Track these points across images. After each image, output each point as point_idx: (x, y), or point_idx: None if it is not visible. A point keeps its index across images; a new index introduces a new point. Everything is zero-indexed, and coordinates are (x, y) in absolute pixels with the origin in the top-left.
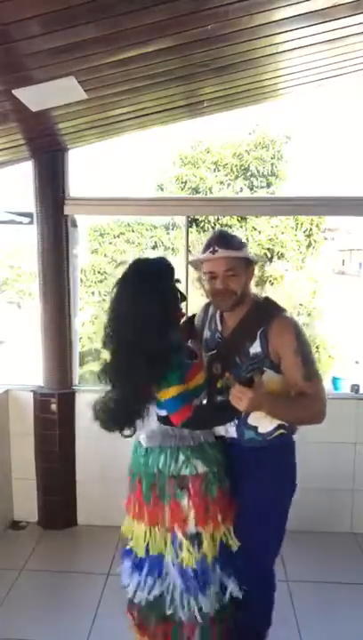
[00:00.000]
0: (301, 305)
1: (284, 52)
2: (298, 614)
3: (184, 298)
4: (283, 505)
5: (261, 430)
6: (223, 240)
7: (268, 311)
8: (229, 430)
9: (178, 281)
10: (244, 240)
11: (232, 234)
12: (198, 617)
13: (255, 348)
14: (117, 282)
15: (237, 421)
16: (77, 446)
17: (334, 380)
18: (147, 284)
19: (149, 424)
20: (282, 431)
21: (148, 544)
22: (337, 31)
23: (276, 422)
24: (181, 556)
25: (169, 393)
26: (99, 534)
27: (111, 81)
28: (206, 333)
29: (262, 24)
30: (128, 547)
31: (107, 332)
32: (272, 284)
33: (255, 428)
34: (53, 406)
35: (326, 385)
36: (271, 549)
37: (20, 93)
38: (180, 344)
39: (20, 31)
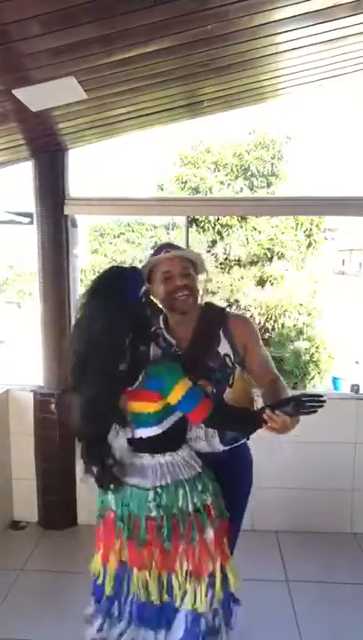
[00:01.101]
0: (301, 305)
1: (284, 51)
2: (298, 614)
3: (159, 311)
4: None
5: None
6: (173, 245)
7: (217, 311)
8: (208, 444)
9: (146, 293)
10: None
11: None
12: None
13: (223, 347)
14: (84, 296)
15: (214, 433)
16: (77, 446)
17: (334, 380)
18: (111, 302)
19: (133, 465)
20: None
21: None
22: (337, 31)
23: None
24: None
25: (178, 392)
26: None
27: (111, 81)
28: (155, 352)
29: (262, 24)
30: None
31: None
32: (272, 284)
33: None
34: (53, 406)
35: (326, 385)
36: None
37: (20, 93)
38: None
39: (20, 31)
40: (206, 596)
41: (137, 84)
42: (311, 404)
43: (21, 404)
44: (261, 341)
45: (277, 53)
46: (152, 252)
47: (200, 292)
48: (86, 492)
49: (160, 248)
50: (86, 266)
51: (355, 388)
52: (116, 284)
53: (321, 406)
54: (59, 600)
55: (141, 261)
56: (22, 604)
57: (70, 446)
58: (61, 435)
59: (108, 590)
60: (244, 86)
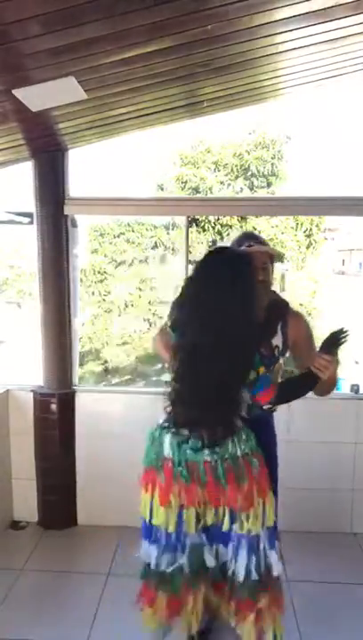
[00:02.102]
0: (301, 305)
1: (284, 51)
2: (298, 614)
3: None
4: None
5: (265, 407)
6: (256, 237)
7: (283, 305)
8: None
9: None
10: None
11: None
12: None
13: (277, 340)
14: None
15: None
16: (77, 446)
17: None
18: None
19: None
20: (271, 407)
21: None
22: (337, 31)
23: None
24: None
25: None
26: (99, 534)
27: (111, 81)
28: None
29: (262, 24)
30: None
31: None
32: (272, 284)
33: (261, 405)
34: (53, 406)
35: None
36: None
37: (20, 93)
38: None
39: (20, 31)
40: (255, 521)
41: (137, 84)
42: (341, 336)
43: (21, 404)
44: (312, 339)
45: (277, 53)
46: (235, 239)
47: (273, 283)
48: (86, 492)
49: (244, 239)
50: (86, 266)
51: (355, 388)
52: (249, 267)
53: (347, 334)
54: (59, 600)
55: (141, 261)
56: (22, 604)
57: (70, 446)
58: (61, 435)
59: (171, 527)
60: (244, 86)
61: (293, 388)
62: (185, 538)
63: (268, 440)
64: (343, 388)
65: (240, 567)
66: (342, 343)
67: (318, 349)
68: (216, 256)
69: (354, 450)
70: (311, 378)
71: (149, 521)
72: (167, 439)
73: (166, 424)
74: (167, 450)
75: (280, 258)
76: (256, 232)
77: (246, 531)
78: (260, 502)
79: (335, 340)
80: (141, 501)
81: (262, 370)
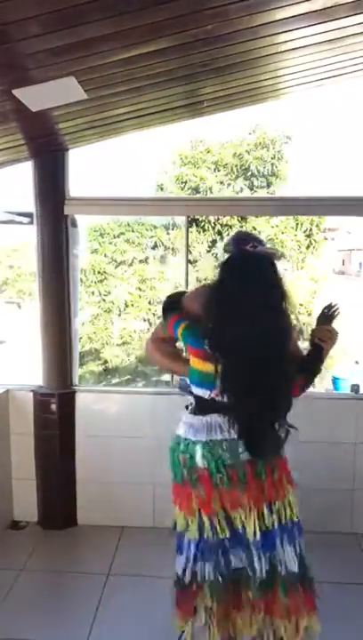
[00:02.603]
0: (301, 305)
1: (284, 51)
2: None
3: None
4: None
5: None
6: (257, 239)
7: None
8: None
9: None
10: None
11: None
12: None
13: None
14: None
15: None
16: (77, 446)
17: (335, 380)
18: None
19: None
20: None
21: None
22: (337, 31)
23: None
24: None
25: None
26: (99, 534)
27: (111, 81)
28: None
29: (262, 24)
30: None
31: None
32: None
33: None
34: (53, 406)
35: (326, 385)
36: None
37: (20, 93)
38: None
39: (20, 31)
40: (291, 509)
41: (137, 84)
42: (332, 310)
43: (21, 404)
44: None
45: (277, 53)
46: (232, 239)
47: None
48: (86, 492)
49: (245, 239)
50: (86, 266)
51: (355, 388)
52: (272, 264)
53: (337, 307)
54: (59, 600)
55: (141, 261)
56: (22, 604)
57: (70, 446)
58: (61, 435)
59: (222, 533)
60: (244, 86)
61: (313, 367)
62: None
63: None
64: (343, 387)
65: (289, 559)
66: (336, 316)
67: (315, 325)
68: (249, 257)
69: (354, 450)
70: (319, 351)
71: (184, 535)
72: (198, 451)
73: (190, 436)
74: (200, 461)
75: (279, 258)
76: (255, 232)
77: (285, 520)
78: (289, 490)
79: (329, 314)
80: (175, 519)
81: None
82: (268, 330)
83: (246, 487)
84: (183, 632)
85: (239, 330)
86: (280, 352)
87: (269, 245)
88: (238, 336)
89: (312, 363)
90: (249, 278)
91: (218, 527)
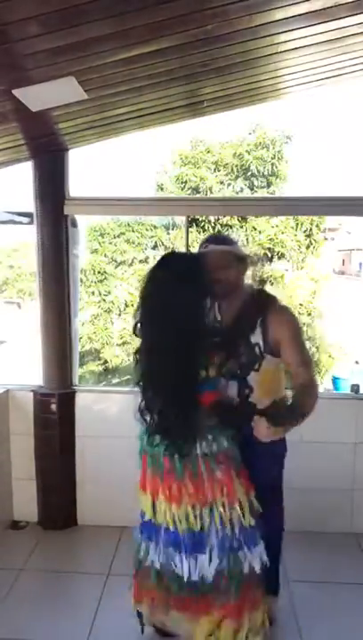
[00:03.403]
0: (301, 305)
1: (284, 51)
2: (298, 614)
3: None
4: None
5: (259, 407)
6: (215, 238)
7: (265, 301)
8: None
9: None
10: (240, 240)
11: (226, 234)
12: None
13: (256, 337)
14: (157, 280)
15: (238, 399)
16: (77, 446)
17: (335, 380)
18: (195, 287)
19: None
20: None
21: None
22: (337, 31)
23: (268, 401)
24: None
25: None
26: (99, 534)
27: (111, 81)
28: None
29: (262, 24)
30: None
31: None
32: (272, 284)
33: (254, 406)
34: (53, 406)
35: (327, 385)
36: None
37: (20, 93)
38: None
39: (19, 31)
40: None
41: (137, 84)
42: (282, 418)
43: (21, 404)
44: (299, 340)
45: (277, 53)
46: (205, 237)
47: (243, 280)
48: (86, 492)
49: (204, 241)
50: (86, 266)
51: (355, 388)
52: (197, 270)
53: (295, 420)
54: (59, 600)
55: (141, 261)
56: (22, 604)
57: (70, 446)
58: (61, 435)
59: (150, 516)
60: (244, 86)
61: (226, 416)
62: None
63: (253, 455)
64: (343, 387)
65: (251, 560)
66: (281, 424)
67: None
68: (161, 261)
69: (354, 450)
70: (240, 422)
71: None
72: (142, 432)
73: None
74: (142, 443)
75: (254, 258)
76: (231, 232)
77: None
78: (220, 502)
79: (274, 419)
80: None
81: (212, 372)
82: (166, 328)
83: (163, 479)
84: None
85: (144, 334)
86: (177, 349)
87: (237, 245)
88: (145, 332)
89: (232, 417)
90: (155, 282)
91: (150, 510)
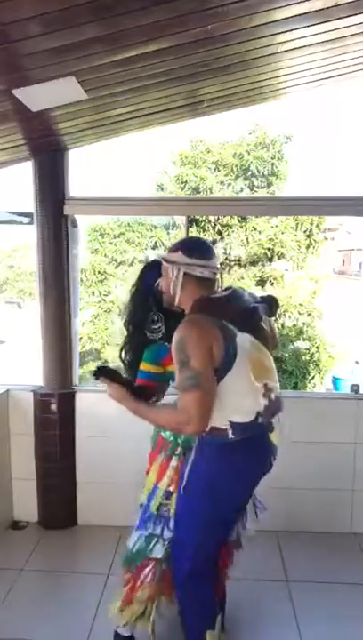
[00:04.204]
0: (301, 305)
1: (284, 52)
2: (298, 614)
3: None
4: (199, 508)
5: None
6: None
7: (188, 314)
8: None
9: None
10: (210, 245)
11: (190, 238)
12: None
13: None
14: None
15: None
16: (77, 446)
17: (335, 380)
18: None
19: None
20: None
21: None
22: (337, 31)
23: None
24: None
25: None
26: (99, 534)
27: (111, 81)
28: None
29: (262, 24)
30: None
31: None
32: (272, 284)
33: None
34: (53, 406)
35: (327, 385)
36: (188, 536)
37: (20, 93)
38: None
39: (20, 31)
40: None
41: (137, 84)
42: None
43: (21, 404)
44: (177, 357)
45: (277, 53)
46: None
47: (178, 290)
48: (86, 492)
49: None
50: (86, 266)
51: (355, 388)
52: (141, 272)
53: (96, 376)
54: (59, 600)
55: (141, 261)
56: (22, 604)
57: (70, 446)
58: (61, 435)
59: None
60: (244, 86)
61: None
62: None
63: (196, 467)
64: (343, 388)
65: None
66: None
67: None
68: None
69: (354, 450)
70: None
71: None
72: None
73: None
74: None
75: (172, 263)
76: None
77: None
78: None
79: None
80: None
81: (147, 366)
82: (126, 321)
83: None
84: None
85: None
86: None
87: (164, 253)
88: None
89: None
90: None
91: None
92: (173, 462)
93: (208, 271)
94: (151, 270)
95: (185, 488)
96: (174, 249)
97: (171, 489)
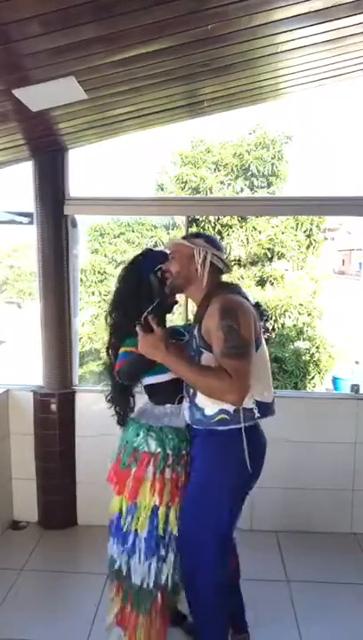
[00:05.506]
0: (301, 305)
1: (284, 52)
2: (298, 614)
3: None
4: (218, 497)
5: (206, 413)
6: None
7: (213, 294)
8: (185, 413)
9: (158, 270)
10: (214, 238)
11: (199, 232)
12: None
13: (197, 330)
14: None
15: (189, 403)
16: (77, 446)
17: (335, 380)
18: (127, 271)
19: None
20: (223, 416)
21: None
22: (337, 31)
23: (217, 406)
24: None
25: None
26: (99, 534)
27: (111, 81)
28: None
29: (262, 24)
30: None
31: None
32: (272, 284)
33: (202, 410)
34: (53, 406)
35: (327, 385)
36: (202, 540)
37: (20, 93)
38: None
39: (20, 31)
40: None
41: (137, 84)
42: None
43: (21, 404)
44: (222, 326)
45: (277, 53)
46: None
47: (205, 273)
48: (86, 492)
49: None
50: (86, 266)
51: (355, 388)
52: (133, 261)
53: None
54: (59, 600)
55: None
56: (22, 604)
57: (70, 446)
58: (61, 435)
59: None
60: (244, 86)
61: (128, 363)
62: None
63: (203, 463)
64: (343, 387)
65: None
66: (148, 313)
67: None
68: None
69: (354, 450)
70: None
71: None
72: None
73: None
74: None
75: (179, 248)
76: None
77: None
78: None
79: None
80: None
81: (130, 348)
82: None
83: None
84: None
85: None
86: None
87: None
88: None
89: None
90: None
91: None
92: (167, 475)
93: (222, 263)
94: (145, 259)
95: (199, 473)
96: (194, 236)
97: (170, 504)
